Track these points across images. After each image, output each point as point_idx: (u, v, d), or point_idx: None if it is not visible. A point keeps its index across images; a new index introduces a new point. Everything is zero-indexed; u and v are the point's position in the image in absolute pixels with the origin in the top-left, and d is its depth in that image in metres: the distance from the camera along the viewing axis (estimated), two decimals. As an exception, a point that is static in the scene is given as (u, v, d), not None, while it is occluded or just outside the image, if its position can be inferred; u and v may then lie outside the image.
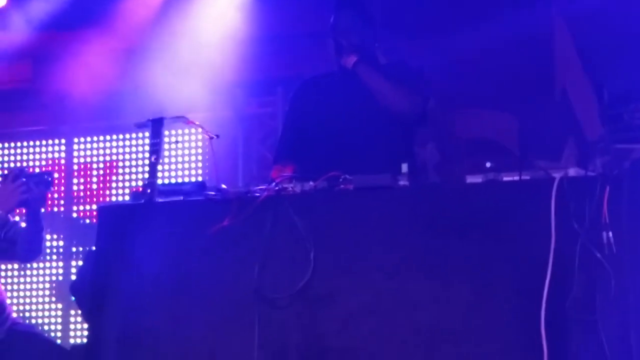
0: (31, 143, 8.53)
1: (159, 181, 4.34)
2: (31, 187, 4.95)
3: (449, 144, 5.75)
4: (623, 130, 3.90)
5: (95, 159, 8.42)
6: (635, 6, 6.17)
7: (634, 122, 4.07)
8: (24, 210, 5.08)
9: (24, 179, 4.95)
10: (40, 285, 8.36)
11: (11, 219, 5.07)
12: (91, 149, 8.43)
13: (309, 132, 5.06)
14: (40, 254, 5.31)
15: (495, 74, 6.68)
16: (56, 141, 8.49)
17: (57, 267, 8.35)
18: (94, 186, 8.40)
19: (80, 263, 7.84)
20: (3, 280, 8.22)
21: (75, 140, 8.44)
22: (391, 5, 6.75)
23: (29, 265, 8.15)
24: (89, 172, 8.42)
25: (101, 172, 8.38)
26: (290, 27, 7.45)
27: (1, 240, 5.02)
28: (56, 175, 8.14)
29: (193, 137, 8.03)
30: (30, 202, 4.99)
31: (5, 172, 5.52)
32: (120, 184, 8.28)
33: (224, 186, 4.24)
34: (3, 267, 8.25)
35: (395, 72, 5.02)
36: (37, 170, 7.97)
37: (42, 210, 5.10)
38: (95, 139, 8.37)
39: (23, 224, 5.10)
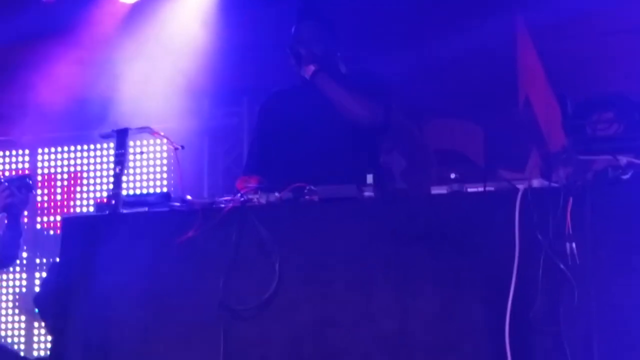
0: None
1: (124, 192, 4.32)
2: (14, 191, 4.94)
3: (414, 152, 5.76)
4: (586, 142, 3.93)
5: (59, 169, 8.37)
6: (598, 16, 6.23)
7: (596, 133, 4.12)
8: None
9: (6, 184, 4.93)
10: (3, 297, 8.29)
11: None
12: (55, 160, 8.39)
13: (275, 144, 5.06)
14: (16, 259, 5.29)
15: (459, 84, 6.71)
16: (20, 152, 8.44)
17: (20, 279, 8.29)
18: (58, 197, 8.35)
19: (44, 275, 7.79)
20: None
21: (40, 150, 8.40)
22: (357, 16, 6.77)
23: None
24: (53, 183, 8.38)
25: (65, 182, 8.34)
26: (255, 37, 7.45)
27: None
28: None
29: (158, 148, 8.01)
30: (12, 207, 4.97)
31: None
32: (85, 195, 8.24)
33: (189, 197, 4.23)
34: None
35: (357, 81, 5.01)
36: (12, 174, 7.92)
37: (25, 214, 5.08)
38: (59, 149, 8.33)
39: None
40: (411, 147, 5.55)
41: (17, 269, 8.26)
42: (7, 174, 8.37)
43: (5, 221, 5.10)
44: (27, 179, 5.08)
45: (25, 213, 5.06)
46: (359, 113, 4.88)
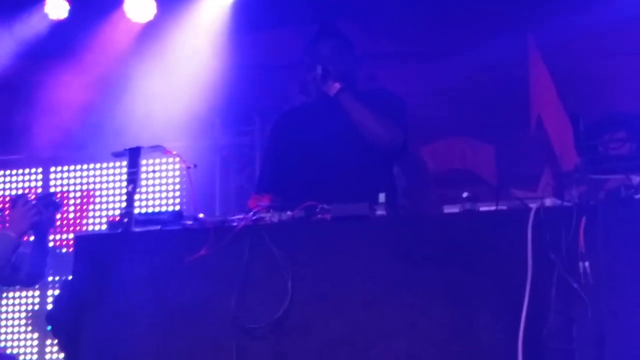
0: (7, 172, 8.48)
1: (136, 210, 4.33)
2: (41, 209, 4.96)
3: (416, 171, 5.76)
4: (598, 161, 3.93)
5: (72, 187, 8.38)
6: (609, 36, 6.23)
7: (609, 153, 4.11)
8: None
9: (34, 202, 4.96)
10: (16, 315, 8.29)
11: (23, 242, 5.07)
12: (68, 178, 8.39)
13: (288, 162, 5.07)
14: (41, 278, 5.30)
15: (471, 103, 6.72)
16: (33, 170, 8.45)
17: (33, 297, 8.28)
18: (71, 215, 8.36)
19: (57, 292, 7.78)
20: (-22, 310, 8.16)
21: (52, 169, 8.40)
22: (370, 34, 6.79)
23: (4, 295, 8.09)
24: (65, 201, 8.39)
25: (78, 201, 8.34)
26: (267, 57, 7.47)
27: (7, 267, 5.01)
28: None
29: (170, 167, 8.02)
30: (40, 225, 4.99)
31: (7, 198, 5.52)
32: (97, 213, 8.24)
33: (201, 215, 4.23)
34: (-23, 296, 8.20)
35: (374, 100, 5.03)
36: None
37: (51, 232, 5.10)
38: (72, 167, 8.34)
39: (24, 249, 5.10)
40: (412, 167, 5.54)
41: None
42: (19, 192, 8.38)
43: (32, 238, 5.13)
44: (54, 197, 5.11)
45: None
46: (380, 134, 4.90)
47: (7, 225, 5.01)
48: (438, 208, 3.98)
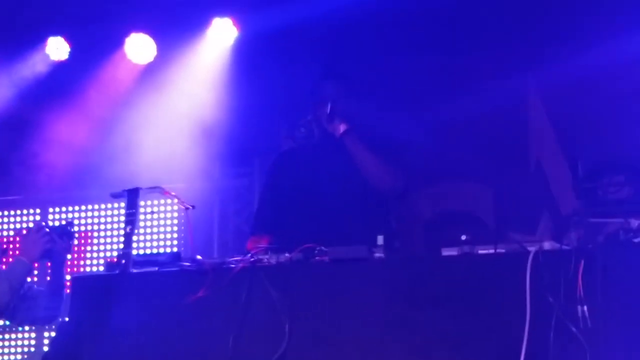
0: (5, 213, 8.48)
1: (134, 252, 4.33)
2: (54, 238, 4.97)
3: (405, 213, 5.75)
4: (597, 205, 3.93)
5: (70, 228, 8.37)
6: (608, 80, 6.25)
7: (608, 196, 4.11)
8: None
9: (47, 229, 4.97)
10: (12, 357, 8.25)
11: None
12: (66, 219, 8.39)
13: (285, 203, 5.07)
14: (59, 315, 5.28)
15: (470, 145, 6.72)
16: (31, 211, 8.44)
17: (29, 338, 8.25)
18: (69, 256, 8.34)
19: (54, 333, 7.75)
20: (-27, 351, 8.12)
21: (50, 209, 8.40)
22: (370, 76, 6.81)
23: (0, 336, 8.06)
24: (63, 242, 8.37)
25: (76, 242, 8.32)
26: (266, 99, 7.48)
27: (25, 298, 5.00)
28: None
29: (169, 208, 8.01)
30: (55, 255, 5.00)
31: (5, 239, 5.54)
32: (95, 254, 8.23)
33: (199, 257, 4.23)
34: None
35: (379, 144, 5.04)
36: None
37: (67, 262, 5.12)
38: (70, 208, 8.34)
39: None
40: (401, 208, 5.55)
41: (27, 327, 8.23)
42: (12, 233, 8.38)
43: (49, 271, 5.13)
44: (69, 227, 5.13)
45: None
46: (382, 179, 4.92)
47: (19, 252, 5.02)
48: (426, 250, 3.99)
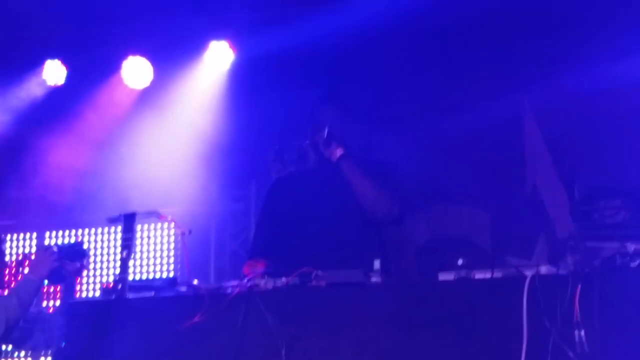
0: (2, 236, 8.46)
1: (130, 277, 4.32)
2: (62, 258, 4.95)
3: (395, 237, 5.74)
4: (594, 228, 3.92)
5: (66, 253, 8.35)
6: (605, 103, 6.26)
7: (604, 220, 4.11)
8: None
9: (55, 248, 4.96)
10: (9, 382, 8.22)
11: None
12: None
13: (282, 228, 5.06)
14: None
15: (466, 169, 6.72)
16: (27, 235, 8.43)
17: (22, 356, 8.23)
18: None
19: (49, 359, 7.73)
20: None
21: (47, 234, 8.39)
22: (366, 99, 6.82)
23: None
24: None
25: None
26: (264, 121, 7.49)
27: (36, 322, 4.99)
28: (27, 270, 8.13)
29: (165, 232, 8.00)
30: (65, 276, 4.98)
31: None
32: (91, 279, 8.21)
33: (195, 282, 4.22)
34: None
35: (375, 169, 5.04)
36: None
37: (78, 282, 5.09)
38: (66, 232, 8.33)
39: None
40: (397, 234, 5.54)
41: (22, 353, 8.20)
42: (13, 257, 8.36)
43: (59, 294, 5.12)
44: (78, 247, 5.11)
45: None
46: (378, 204, 4.91)
47: (28, 271, 5.02)
48: (422, 275, 3.99)
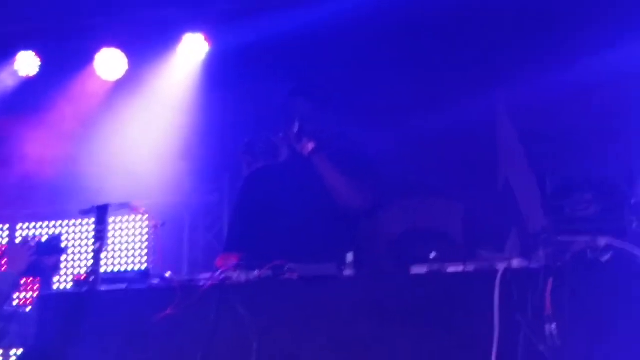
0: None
1: (102, 269, 4.30)
2: (40, 251, 4.92)
3: (368, 229, 5.76)
4: (565, 222, 3.94)
5: (38, 245, 8.31)
6: (578, 97, 6.29)
7: (576, 214, 4.12)
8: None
9: (32, 243, 4.94)
10: (-22, 375, 8.18)
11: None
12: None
13: (255, 221, 5.06)
14: None
15: (439, 162, 6.74)
16: (-1, 226, 8.40)
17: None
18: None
19: (20, 351, 7.69)
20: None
21: (19, 226, 8.35)
22: (340, 91, 6.82)
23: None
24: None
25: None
26: (238, 114, 7.48)
27: (11, 319, 4.98)
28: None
29: (138, 224, 7.98)
30: (42, 271, 4.96)
31: None
32: (63, 272, 8.18)
33: (168, 274, 4.21)
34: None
35: (348, 161, 5.04)
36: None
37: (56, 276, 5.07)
38: (38, 224, 8.29)
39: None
40: (370, 227, 5.55)
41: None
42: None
43: (37, 286, 5.11)
44: (55, 241, 5.09)
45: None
46: (350, 197, 4.91)
47: (6, 265, 5.00)
48: (395, 267, 3.98)
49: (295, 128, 4.96)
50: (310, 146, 4.96)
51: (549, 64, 6.24)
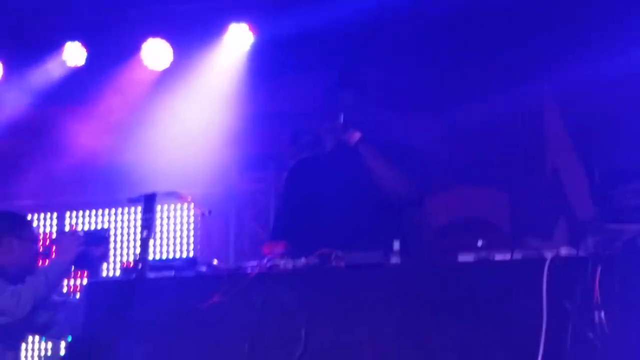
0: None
1: (150, 257, 4.33)
2: (87, 242, 4.97)
3: (417, 218, 5.74)
4: (614, 211, 3.91)
5: (86, 233, 8.38)
6: (626, 85, 6.23)
7: (625, 203, 4.09)
8: None
9: (81, 233, 4.99)
10: (29, 361, 8.27)
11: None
12: (82, 224, 8.40)
13: (301, 211, 5.07)
14: None
15: (487, 151, 6.71)
16: (48, 215, 8.47)
17: (46, 342, 8.27)
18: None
19: (70, 338, 7.76)
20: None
21: (67, 214, 8.42)
22: (384, 82, 6.81)
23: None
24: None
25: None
26: (283, 104, 7.49)
27: (61, 309, 5.04)
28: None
29: (185, 213, 8.02)
30: (90, 262, 5.01)
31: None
32: (112, 259, 8.24)
33: (215, 262, 4.23)
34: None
35: (394, 152, 5.03)
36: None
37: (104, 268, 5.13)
38: (87, 213, 8.36)
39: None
40: (417, 216, 5.54)
41: (50, 344, 8.24)
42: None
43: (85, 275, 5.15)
44: (104, 233, 5.13)
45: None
46: (397, 187, 4.92)
47: (55, 255, 5.04)
48: (442, 256, 3.97)
49: (341, 119, 4.96)
50: (357, 136, 4.96)
51: (598, 53, 6.18)
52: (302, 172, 5.26)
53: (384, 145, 5.08)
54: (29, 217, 6.37)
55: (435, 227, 6.58)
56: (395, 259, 3.98)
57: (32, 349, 8.22)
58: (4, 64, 7.41)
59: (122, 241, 8.21)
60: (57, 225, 8.36)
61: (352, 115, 5.00)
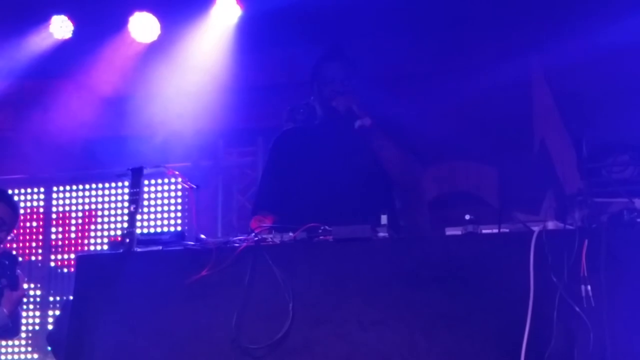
0: (10, 192, 8.49)
1: (138, 231, 4.32)
2: None
3: (410, 192, 5.76)
4: (601, 184, 3.92)
5: (74, 207, 8.39)
6: (613, 60, 6.24)
7: (612, 176, 4.10)
8: None
9: None
10: (17, 335, 8.27)
11: None
12: (70, 198, 8.40)
13: (288, 182, 5.06)
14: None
15: (474, 125, 6.72)
16: (35, 189, 8.46)
17: (33, 317, 8.28)
18: (73, 235, 8.36)
19: (58, 312, 7.78)
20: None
21: (54, 188, 8.41)
22: (373, 55, 6.80)
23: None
24: (67, 221, 8.39)
25: (80, 221, 8.35)
26: (271, 77, 7.49)
27: None
28: (34, 224, 8.16)
29: (173, 187, 8.03)
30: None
31: None
32: (99, 233, 8.24)
33: (203, 236, 4.22)
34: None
35: (395, 133, 5.02)
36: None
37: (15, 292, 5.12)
38: (74, 187, 8.35)
39: None
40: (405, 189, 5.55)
41: (31, 306, 8.26)
42: (21, 211, 8.39)
43: None
44: (4, 259, 5.12)
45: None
46: (406, 171, 4.95)
47: None
48: (431, 229, 3.97)
49: (323, 93, 4.98)
50: (368, 121, 4.95)
51: (585, 25, 6.18)
52: (288, 143, 5.24)
53: (387, 128, 5.07)
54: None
55: (425, 200, 6.59)
56: (382, 233, 3.98)
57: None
58: (-11, 38, 7.39)
59: (109, 215, 8.22)
60: (44, 200, 8.35)
61: (341, 87, 5.00)
